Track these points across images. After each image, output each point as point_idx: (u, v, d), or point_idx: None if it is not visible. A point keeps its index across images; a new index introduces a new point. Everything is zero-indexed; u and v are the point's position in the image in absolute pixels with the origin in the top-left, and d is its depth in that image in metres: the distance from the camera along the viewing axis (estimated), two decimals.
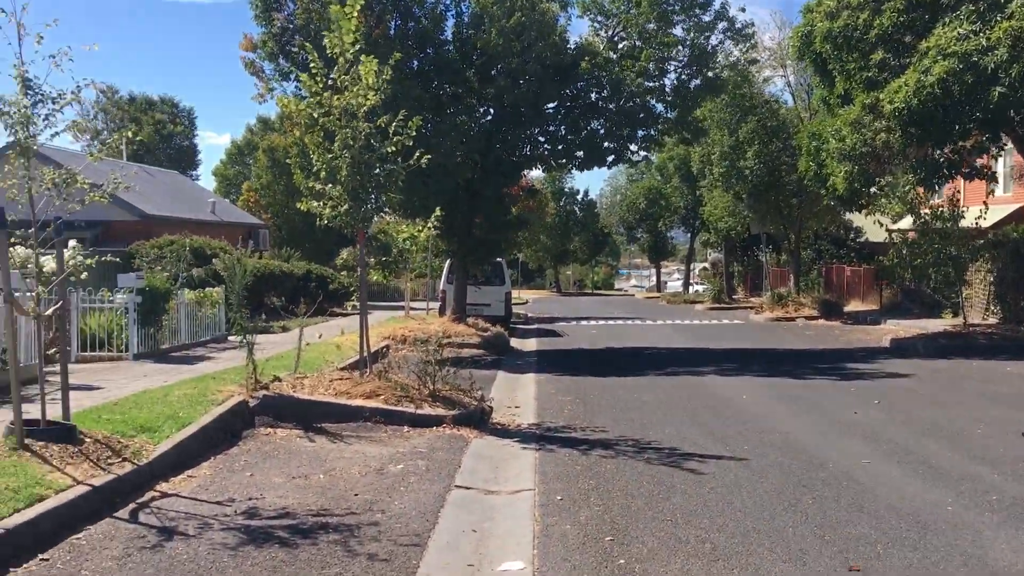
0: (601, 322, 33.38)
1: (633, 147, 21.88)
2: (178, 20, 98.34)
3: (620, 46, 21.15)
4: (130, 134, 9.00)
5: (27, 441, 7.35)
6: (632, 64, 20.32)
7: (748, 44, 21.79)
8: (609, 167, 23.43)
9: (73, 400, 9.92)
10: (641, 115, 20.49)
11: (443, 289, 26.37)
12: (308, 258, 38.28)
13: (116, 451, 7.75)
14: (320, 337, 16.73)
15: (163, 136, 54.16)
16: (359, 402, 10.55)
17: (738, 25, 21.08)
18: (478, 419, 10.81)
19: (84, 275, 14.66)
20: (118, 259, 12.42)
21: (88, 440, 7.81)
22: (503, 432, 10.69)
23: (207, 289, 18.77)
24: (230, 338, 19.79)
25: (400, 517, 6.86)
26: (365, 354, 11.81)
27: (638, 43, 20.67)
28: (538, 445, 9.83)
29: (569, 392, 14.02)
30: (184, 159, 52.62)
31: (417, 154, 10.91)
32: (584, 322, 33.35)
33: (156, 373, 13.44)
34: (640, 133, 21.20)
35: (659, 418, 11.52)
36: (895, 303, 32.13)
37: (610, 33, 21.35)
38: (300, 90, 19.50)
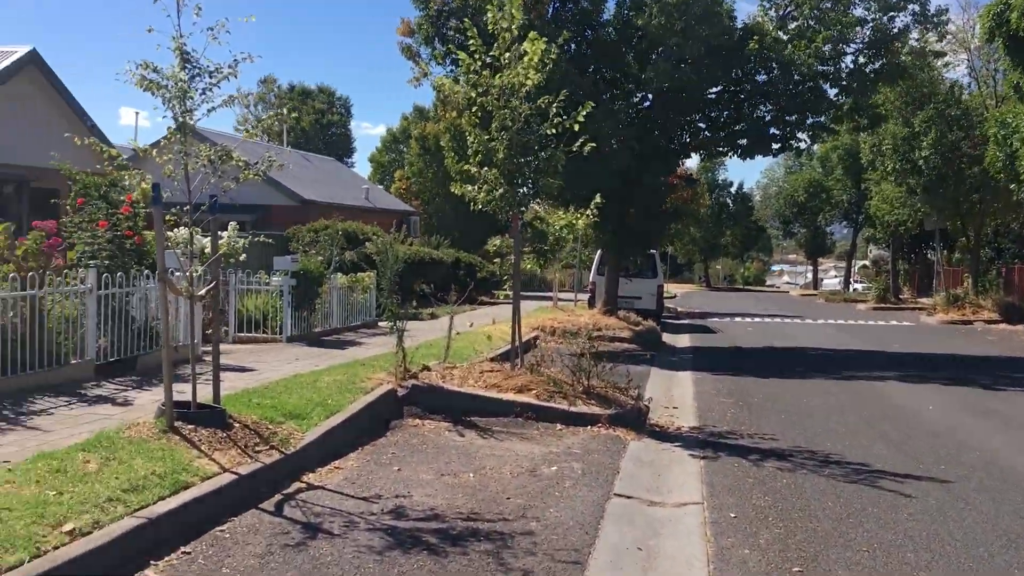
0: (756, 319, 31.88)
1: (801, 134, 20.48)
2: (336, 12, 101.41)
3: (791, 26, 19.81)
4: (285, 111, 8.69)
5: (177, 424, 7.17)
6: (805, 45, 18.98)
7: (938, 31, 19.91)
8: (774, 155, 22.14)
9: (226, 381, 9.86)
10: (812, 100, 19.12)
11: (593, 280, 25.68)
12: (457, 246, 38.39)
13: (264, 438, 7.49)
14: (471, 326, 16.44)
15: (321, 125, 55.77)
16: (510, 396, 10.03)
17: (930, 10, 19.31)
18: (635, 419, 10.10)
19: (243, 257, 14.84)
20: (271, 240, 12.39)
21: (237, 425, 7.59)
22: (662, 435, 9.94)
23: (359, 274, 18.77)
24: (380, 323, 19.77)
25: (556, 527, 6.25)
26: (517, 346, 11.28)
27: (812, 23, 19.28)
28: (702, 451, 9.04)
29: (730, 393, 13.09)
30: (340, 147, 54.00)
31: (581, 140, 10.26)
32: (738, 319, 31.94)
33: (307, 356, 13.37)
34: (810, 120, 19.80)
35: (834, 427, 10.48)
36: None
37: (781, 12, 20.04)
38: (455, 73, 19.34)
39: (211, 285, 8.13)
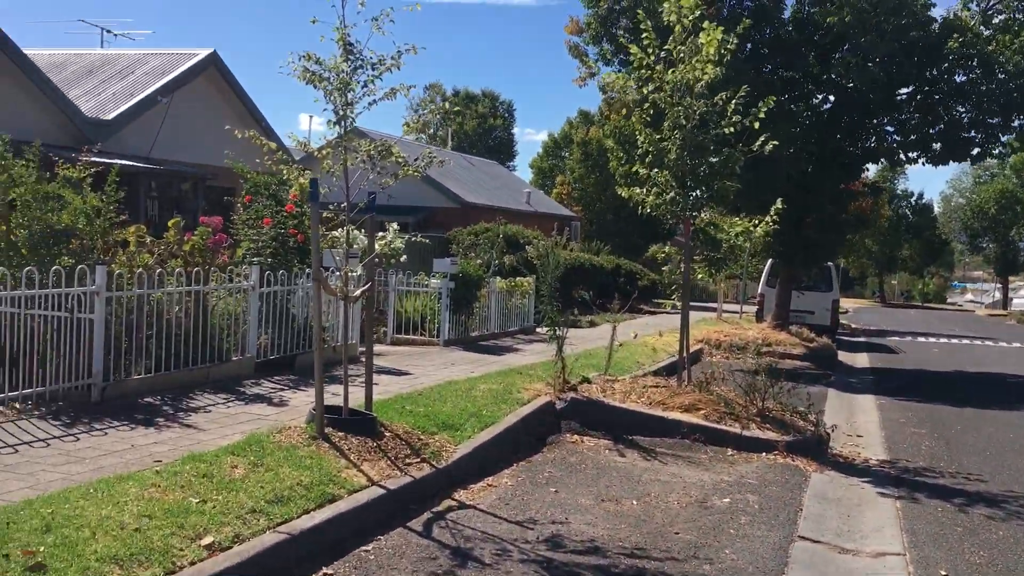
0: (942, 340, 29.46)
1: (1005, 137, 18.58)
2: (503, 21, 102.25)
3: (995, 20, 18.01)
4: (446, 104, 8.21)
5: (327, 430, 6.87)
6: (1010, 40, 17.19)
7: None
8: (972, 162, 20.26)
9: (380, 385, 9.60)
10: (1019, 100, 17.26)
11: (761, 292, 24.36)
12: (616, 252, 37.65)
13: (415, 449, 7.08)
14: (635, 337, 15.69)
15: (484, 130, 56.27)
16: (676, 415, 9.27)
17: None
18: (815, 448, 9.14)
19: (403, 258, 14.68)
20: (427, 241, 12.23)
21: (388, 434, 7.22)
22: (847, 467, 8.93)
23: (517, 278, 18.39)
24: (538, 330, 19.36)
25: (733, 573, 5.50)
26: (684, 358, 10.50)
27: (1020, 15, 17.45)
28: (896, 490, 8.00)
29: (922, 423, 11.79)
30: (502, 151, 54.32)
31: (761, 139, 9.41)
32: (920, 338, 29.64)
33: (463, 362, 13.04)
34: (1017, 121, 17.91)
35: None
36: None
37: (984, 5, 18.25)
38: (623, 69, 18.67)
39: (366, 286, 7.81)
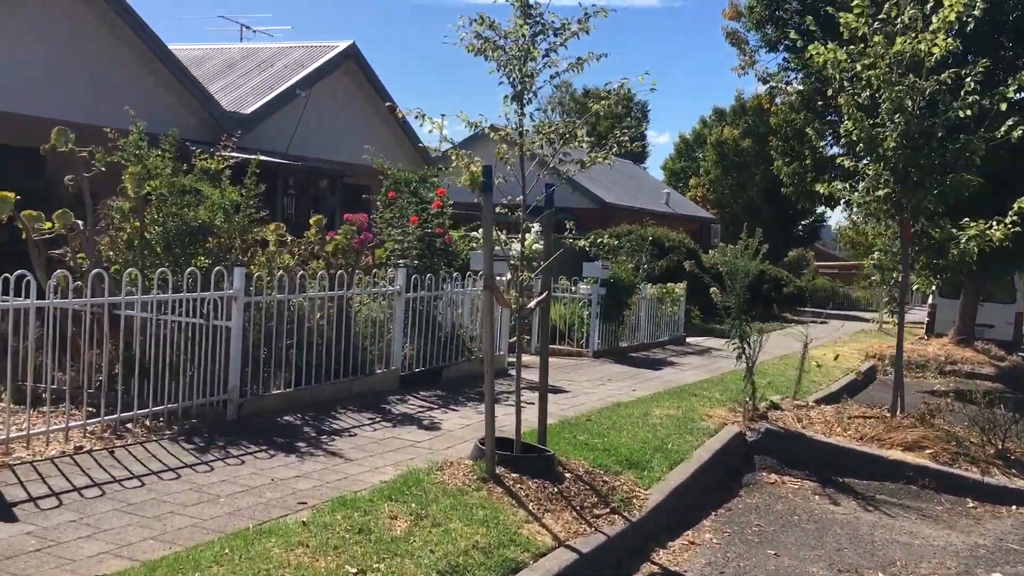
0: None
1: None
2: (630, 19, 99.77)
3: None
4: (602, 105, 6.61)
5: (499, 471, 5.70)
6: None
7: None
8: None
9: (535, 405, 8.44)
10: None
11: (933, 303, 22.11)
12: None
13: (601, 495, 5.84)
14: (809, 347, 14.06)
15: (617, 127, 54.72)
16: (897, 454, 7.73)
17: None
18: None
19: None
20: (578, 240, 11.12)
21: (568, 475, 6.01)
22: None
23: (668, 284, 16.96)
24: (688, 340, 17.91)
25: None
26: (899, 383, 8.91)
27: None
28: None
29: None
30: (634, 153, 52.64)
31: (1008, 124, 7.78)
32: None
33: (619, 377, 11.75)
34: None
35: None
36: None
37: None
38: (788, 62, 16.98)
39: (542, 297, 6.64)
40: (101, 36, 13.63)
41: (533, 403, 8.85)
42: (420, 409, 8.50)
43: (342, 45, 17.80)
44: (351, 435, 7.17)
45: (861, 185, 8.67)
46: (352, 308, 8.76)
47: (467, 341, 10.68)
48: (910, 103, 8.04)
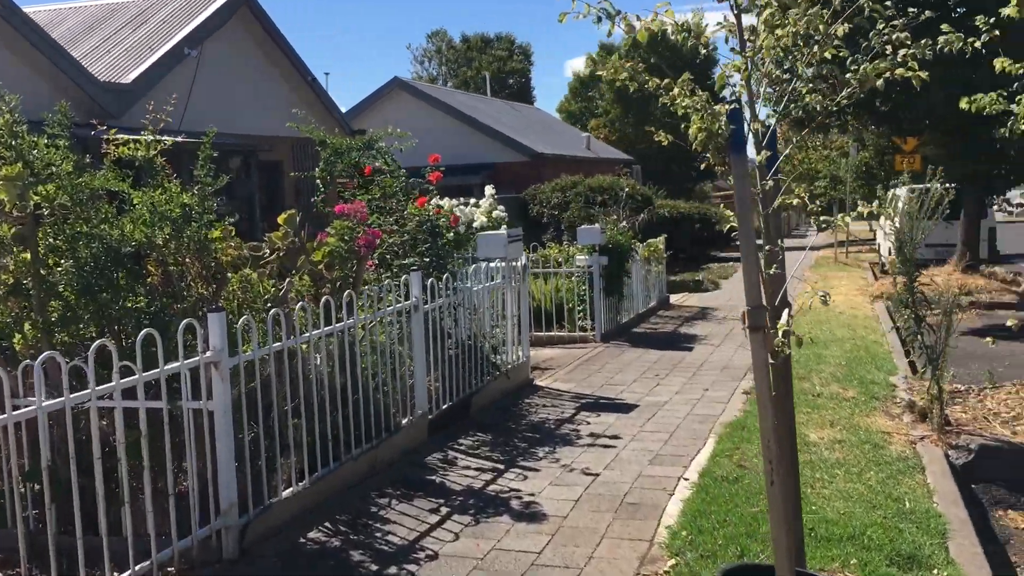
0: None
1: None
2: None
3: None
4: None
5: None
6: None
7: None
8: None
9: (606, 435, 5.99)
10: None
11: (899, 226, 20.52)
12: (671, 196, 33.90)
13: None
14: (825, 298, 12.05)
15: (503, 74, 51.93)
16: None
17: None
18: None
19: (502, 229, 10.95)
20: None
21: None
22: None
23: (649, 240, 14.63)
24: (672, 301, 15.73)
25: None
26: None
27: None
28: None
29: None
30: (522, 97, 50.00)
31: None
32: None
33: (657, 368, 9.53)
34: None
35: None
36: None
37: None
38: None
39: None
40: None
41: (601, 441, 6.49)
42: (480, 473, 5.92)
43: None
44: (424, 554, 4.55)
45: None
46: (356, 338, 6.00)
47: (491, 354, 8.06)
48: None
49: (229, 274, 5.31)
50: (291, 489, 5.05)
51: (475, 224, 10.58)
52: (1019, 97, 6.71)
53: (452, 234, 7.73)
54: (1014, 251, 27.36)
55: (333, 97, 17.50)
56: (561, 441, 6.64)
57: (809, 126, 3.27)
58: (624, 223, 13.14)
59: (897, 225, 7.10)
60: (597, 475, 5.77)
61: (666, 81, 3.18)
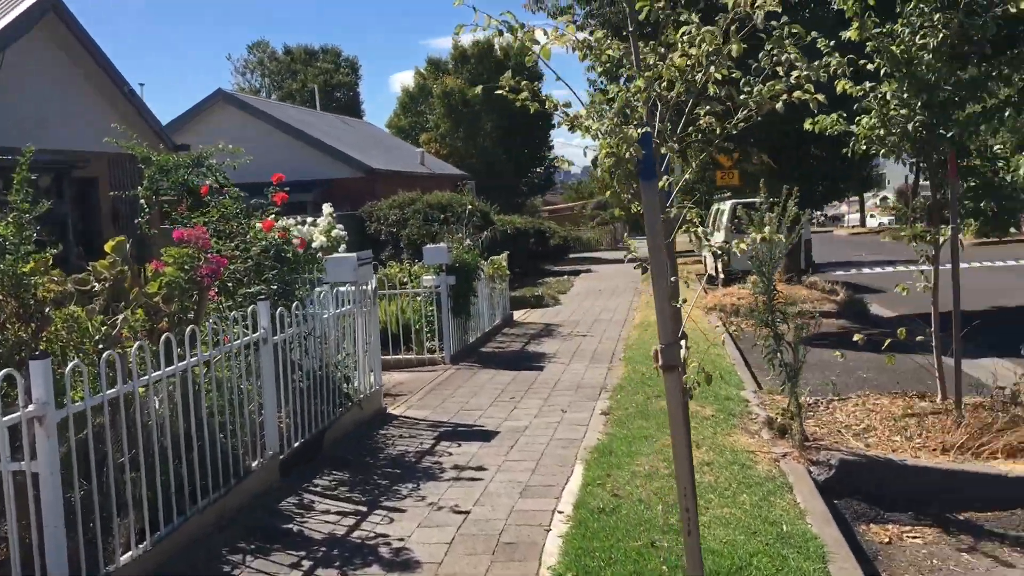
0: (889, 269, 27.64)
1: None
2: None
3: None
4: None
5: None
6: None
7: None
8: None
9: (470, 469, 5.76)
10: None
11: (726, 240, 21.41)
12: (504, 211, 34.15)
13: None
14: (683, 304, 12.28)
15: (330, 88, 50.78)
16: (1014, 468, 5.90)
17: None
18: None
19: (342, 248, 10.61)
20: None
21: None
22: None
23: (492, 258, 14.50)
24: (515, 319, 15.65)
25: None
26: (959, 364, 7.11)
27: None
28: None
29: None
30: (352, 111, 49.08)
31: None
32: (866, 269, 27.73)
33: (511, 391, 9.32)
34: None
35: None
36: None
37: None
38: None
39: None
40: None
41: (466, 473, 6.26)
42: (341, 517, 5.51)
43: None
44: None
45: (871, 114, 6.69)
46: (199, 379, 5.45)
47: (342, 384, 7.62)
48: None
49: (52, 312, 4.67)
50: (130, 553, 4.47)
51: (314, 244, 10.06)
52: (858, 118, 6.98)
53: (292, 255, 7.21)
54: (823, 260, 29.25)
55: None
56: (424, 476, 6.30)
57: (707, 149, 3.09)
58: (468, 241, 12.92)
59: (723, 239, 7.21)
60: (468, 512, 5.47)
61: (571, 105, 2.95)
